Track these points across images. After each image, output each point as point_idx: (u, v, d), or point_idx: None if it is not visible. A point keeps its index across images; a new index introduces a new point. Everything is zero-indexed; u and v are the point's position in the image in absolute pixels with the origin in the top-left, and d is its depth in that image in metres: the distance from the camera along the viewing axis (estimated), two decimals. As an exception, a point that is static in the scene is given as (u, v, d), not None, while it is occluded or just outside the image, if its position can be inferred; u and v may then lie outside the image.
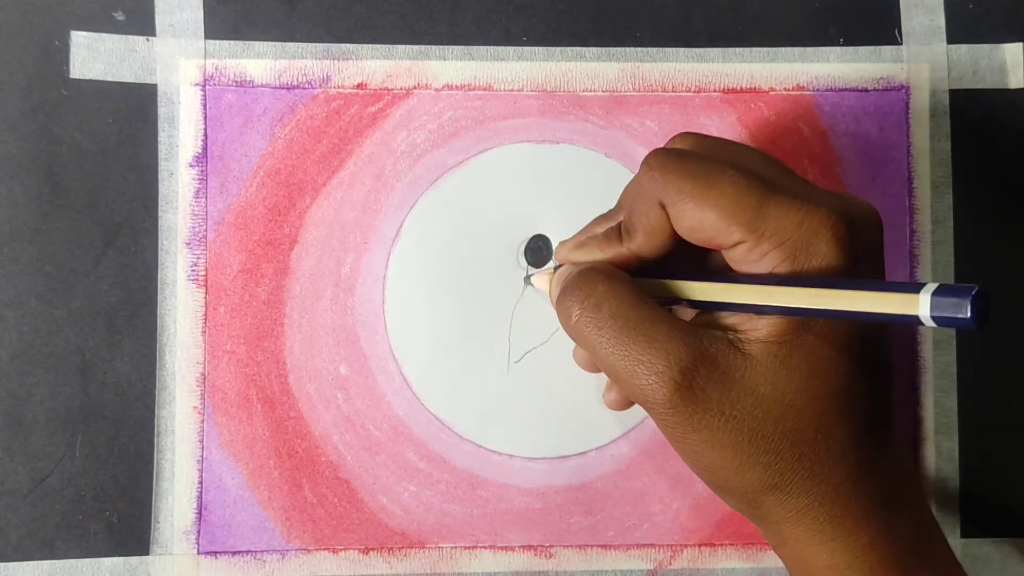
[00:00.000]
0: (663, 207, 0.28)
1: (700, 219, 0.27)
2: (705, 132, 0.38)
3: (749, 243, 0.27)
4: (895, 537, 0.28)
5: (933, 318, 0.23)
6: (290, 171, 0.37)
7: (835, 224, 0.26)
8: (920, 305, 0.23)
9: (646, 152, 0.38)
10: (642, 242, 0.29)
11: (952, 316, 0.22)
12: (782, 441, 0.27)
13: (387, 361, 0.37)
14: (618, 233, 0.30)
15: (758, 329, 0.27)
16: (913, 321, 0.23)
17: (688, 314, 0.30)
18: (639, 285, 0.29)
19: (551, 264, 0.37)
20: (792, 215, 0.26)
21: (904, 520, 0.28)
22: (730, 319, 0.28)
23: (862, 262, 0.27)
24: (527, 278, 0.37)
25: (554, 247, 0.38)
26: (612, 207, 0.33)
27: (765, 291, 0.26)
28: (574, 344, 0.32)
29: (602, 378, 0.37)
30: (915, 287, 0.23)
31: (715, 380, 0.27)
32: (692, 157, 0.28)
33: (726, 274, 0.28)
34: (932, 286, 0.23)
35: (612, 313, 0.28)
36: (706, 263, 0.31)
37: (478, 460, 0.37)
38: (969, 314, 0.22)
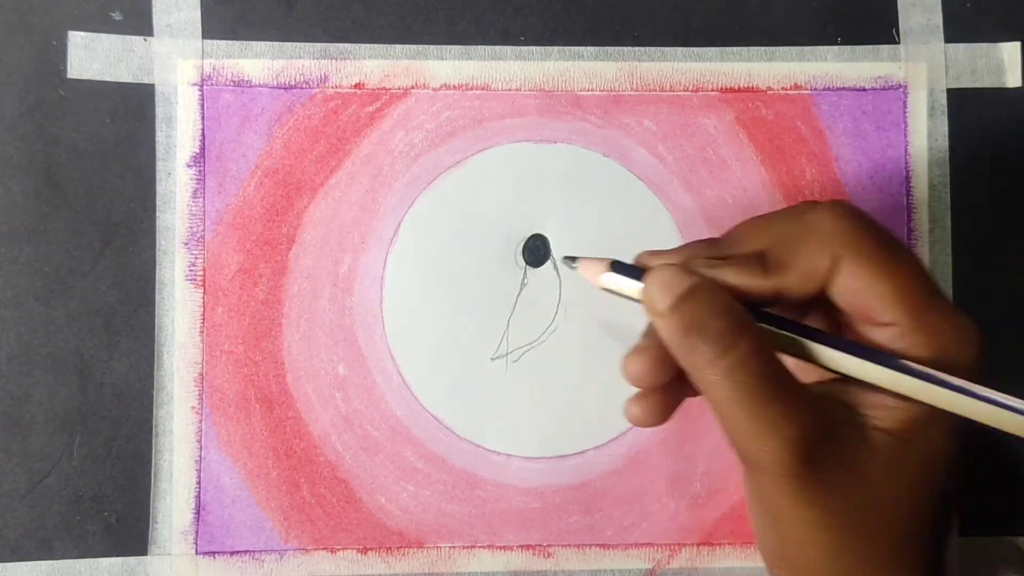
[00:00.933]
0: (835, 258, 0.27)
1: (872, 287, 0.26)
2: (703, 132, 0.38)
3: (903, 328, 0.26)
4: None
5: None
6: (288, 171, 0.37)
7: (983, 344, 0.27)
8: None
9: (644, 151, 0.38)
10: (793, 282, 0.27)
11: None
12: (884, 536, 0.26)
13: (385, 361, 0.37)
14: (760, 263, 0.27)
15: (884, 419, 0.26)
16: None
17: (807, 374, 0.29)
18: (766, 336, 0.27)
19: (601, 258, 0.31)
20: (954, 320, 0.26)
21: None
22: (854, 397, 0.27)
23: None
24: (567, 259, 0.32)
25: (552, 247, 0.38)
26: (715, 237, 0.30)
27: (918, 384, 0.26)
28: (632, 353, 0.29)
29: (602, 378, 0.37)
30: None
31: (838, 460, 0.26)
32: (878, 223, 0.27)
33: (877, 350, 0.27)
34: None
35: (753, 373, 0.26)
36: (820, 323, 0.30)
37: (476, 460, 0.37)
38: None
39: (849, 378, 0.27)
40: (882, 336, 0.27)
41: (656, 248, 0.30)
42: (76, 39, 0.37)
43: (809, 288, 0.27)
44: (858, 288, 0.26)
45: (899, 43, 0.39)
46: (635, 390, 0.29)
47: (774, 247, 0.28)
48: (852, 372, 0.27)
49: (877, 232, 0.27)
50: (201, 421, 0.37)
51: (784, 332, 0.27)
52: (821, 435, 0.26)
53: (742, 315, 0.27)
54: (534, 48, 0.38)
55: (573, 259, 0.31)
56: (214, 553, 0.37)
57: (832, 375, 0.27)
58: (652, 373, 0.28)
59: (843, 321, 0.28)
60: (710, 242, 0.29)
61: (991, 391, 0.26)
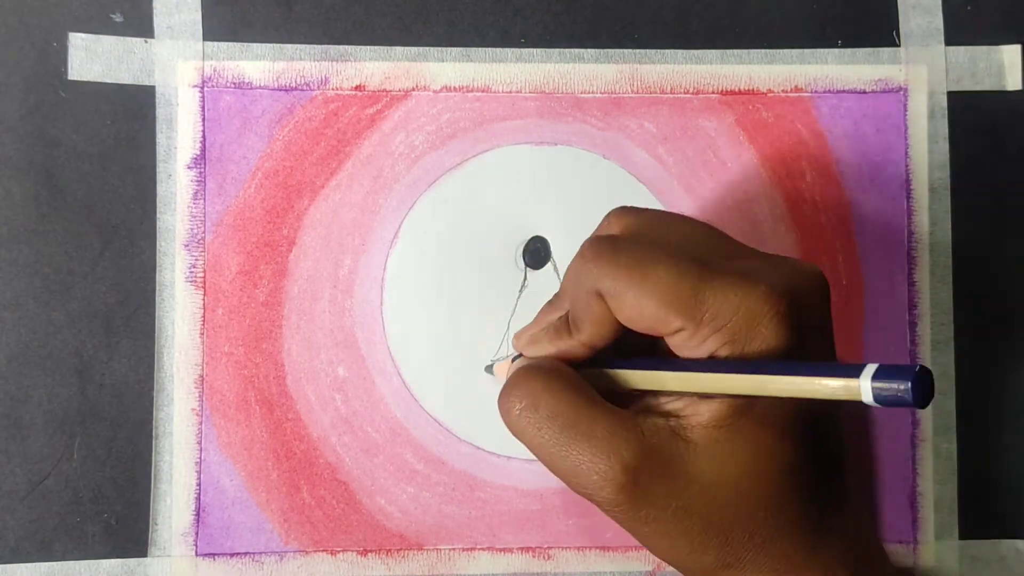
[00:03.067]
0: (602, 298, 0.28)
1: (638, 309, 0.27)
2: (703, 135, 0.38)
3: (688, 330, 0.26)
4: None
5: (876, 400, 0.23)
6: (288, 173, 0.37)
7: (775, 303, 0.26)
8: (861, 391, 0.23)
9: (644, 153, 0.38)
10: (591, 333, 0.29)
11: (894, 398, 0.22)
12: (731, 524, 0.27)
13: (385, 363, 0.37)
14: (567, 325, 0.30)
15: (700, 414, 0.27)
16: (856, 402, 0.23)
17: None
18: (584, 376, 0.29)
19: (510, 353, 0.36)
20: (730, 299, 0.26)
21: None
22: (671, 404, 0.28)
23: (809, 336, 0.27)
24: (488, 367, 0.37)
25: (552, 249, 0.38)
26: (557, 294, 0.32)
27: (704, 379, 0.26)
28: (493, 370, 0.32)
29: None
30: (855, 370, 0.23)
31: (659, 474, 0.26)
32: (626, 245, 0.28)
33: (669, 359, 0.28)
34: (871, 368, 0.23)
35: (550, 412, 0.27)
36: (657, 347, 0.30)
37: (476, 462, 0.37)
38: (911, 397, 0.22)
39: (665, 392, 0.28)
40: (679, 341, 0.27)
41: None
42: (76, 41, 0.37)
43: (607, 331, 0.28)
44: (632, 315, 0.27)
45: (899, 46, 0.39)
46: None
47: (572, 304, 0.29)
48: (639, 385, 0.28)
49: (625, 254, 0.27)
50: (201, 423, 0.37)
51: (591, 370, 0.29)
52: (638, 455, 0.26)
53: (542, 365, 0.29)
54: (534, 50, 0.38)
55: (490, 366, 0.37)
56: (214, 555, 0.37)
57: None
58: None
59: (670, 345, 0.28)
60: (551, 303, 0.32)
61: (765, 362, 0.26)
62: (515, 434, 0.29)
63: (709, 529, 0.27)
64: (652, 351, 0.30)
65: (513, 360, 0.33)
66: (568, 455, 0.27)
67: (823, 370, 0.24)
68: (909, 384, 0.22)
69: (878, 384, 0.23)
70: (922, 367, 0.22)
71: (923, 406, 0.22)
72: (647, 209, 0.31)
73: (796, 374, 0.24)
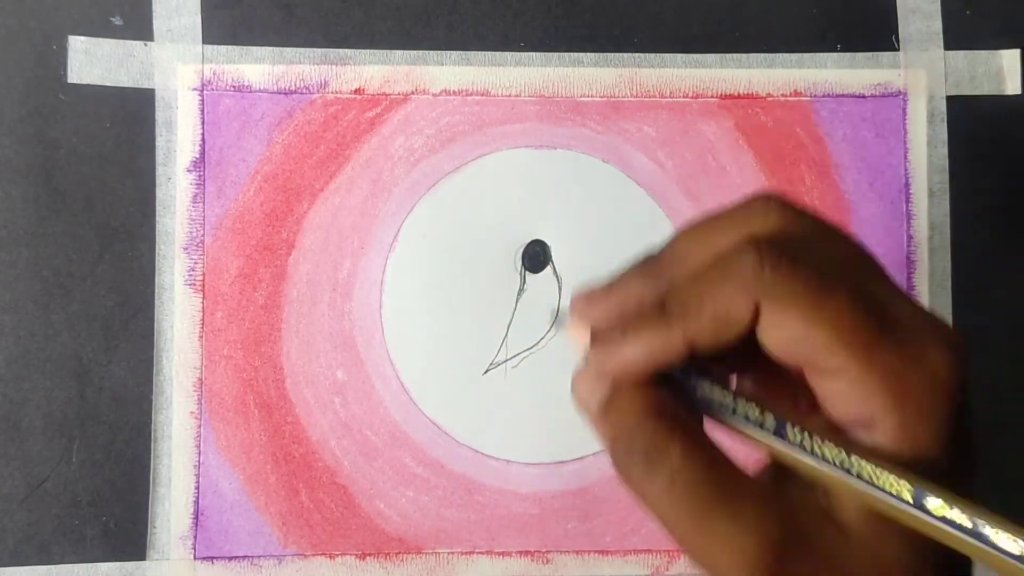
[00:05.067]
0: (756, 307, 0.23)
1: (806, 336, 0.22)
2: (702, 139, 0.38)
3: (853, 373, 0.22)
4: None
5: None
6: (288, 176, 0.37)
7: (947, 373, 0.22)
8: None
9: (643, 157, 0.38)
10: (705, 329, 0.23)
11: None
12: None
13: (384, 366, 0.37)
14: (659, 310, 0.24)
15: (854, 497, 0.23)
16: None
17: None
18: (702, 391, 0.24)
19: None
20: (908, 356, 0.22)
21: None
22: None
23: (962, 405, 0.23)
24: (557, 322, 0.34)
25: (551, 252, 0.38)
26: (652, 257, 0.25)
27: (901, 510, 0.22)
28: (576, 375, 0.26)
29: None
30: None
31: (808, 560, 0.23)
32: (806, 261, 0.23)
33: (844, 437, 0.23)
34: None
35: (688, 489, 0.23)
36: (765, 373, 0.26)
37: (475, 465, 0.37)
38: None
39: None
40: (831, 386, 0.23)
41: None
42: (76, 44, 0.37)
43: (725, 336, 0.23)
44: (791, 338, 0.23)
45: (899, 50, 0.39)
46: None
47: (690, 291, 0.24)
48: (812, 468, 0.23)
49: (805, 269, 0.23)
50: (200, 426, 0.37)
51: (717, 396, 0.24)
52: (784, 536, 0.23)
53: (665, 417, 0.23)
54: (534, 54, 0.38)
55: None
56: (212, 558, 0.37)
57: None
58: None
59: (815, 388, 0.24)
60: (649, 267, 0.25)
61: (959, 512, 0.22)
62: (634, 497, 0.24)
63: None
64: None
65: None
66: (709, 531, 0.23)
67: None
68: None
69: None
70: None
71: None
72: (807, 212, 0.25)
73: (980, 540, 0.21)
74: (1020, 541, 0.21)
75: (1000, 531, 0.22)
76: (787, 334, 0.23)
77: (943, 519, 0.22)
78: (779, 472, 0.24)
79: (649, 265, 0.25)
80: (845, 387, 0.23)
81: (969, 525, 0.22)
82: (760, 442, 0.24)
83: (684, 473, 0.23)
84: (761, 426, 0.24)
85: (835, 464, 0.23)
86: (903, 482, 0.22)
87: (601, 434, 0.25)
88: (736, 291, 0.23)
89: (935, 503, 0.22)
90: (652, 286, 0.25)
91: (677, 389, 0.24)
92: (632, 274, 0.25)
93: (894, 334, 0.22)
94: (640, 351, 0.24)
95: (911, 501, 0.22)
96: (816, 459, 0.23)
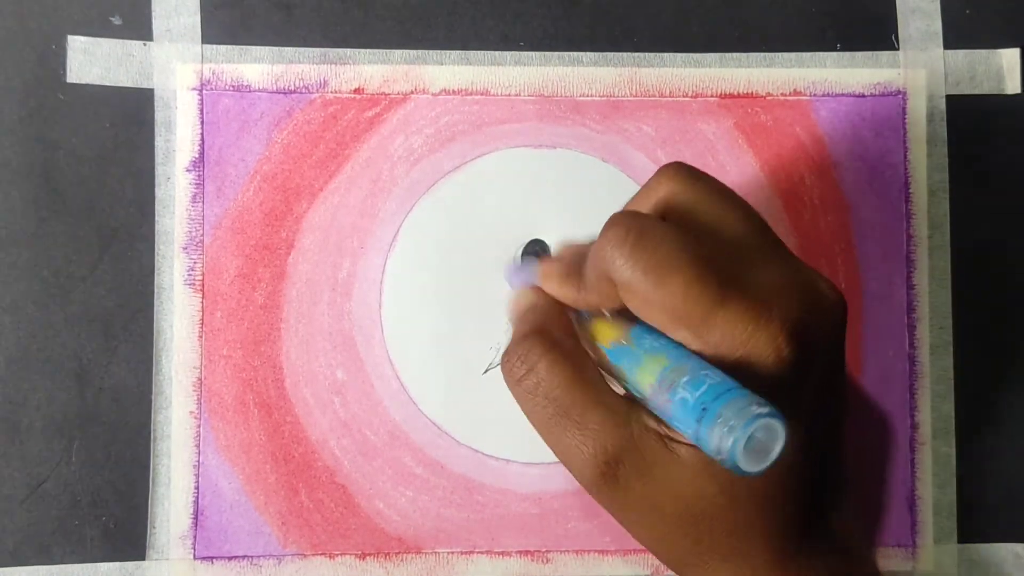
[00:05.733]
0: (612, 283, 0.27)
1: (646, 313, 0.26)
2: (702, 138, 0.38)
3: (693, 346, 0.26)
4: None
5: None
6: (287, 176, 0.37)
7: (782, 347, 0.25)
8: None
9: (643, 156, 0.38)
10: (594, 301, 0.28)
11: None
12: (700, 532, 0.27)
13: (384, 366, 0.37)
14: (578, 276, 0.29)
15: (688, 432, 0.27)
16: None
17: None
18: (584, 323, 0.29)
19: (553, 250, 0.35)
20: (739, 330, 0.25)
21: None
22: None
23: (811, 373, 0.26)
24: (521, 256, 0.36)
25: (552, 252, 0.38)
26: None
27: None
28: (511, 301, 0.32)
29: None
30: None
31: (638, 473, 0.27)
32: (650, 242, 0.26)
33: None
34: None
35: (547, 395, 0.28)
36: None
37: (475, 465, 0.37)
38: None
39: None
40: (677, 338, 0.26)
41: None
42: (76, 43, 0.37)
43: (612, 303, 0.28)
44: (636, 309, 0.27)
45: (898, 49, 0.39)
46: None
47: (588, 267, 0.28)
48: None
49: (643, 255, 0.26)
50: (199, 426, 0.37)
51: (601, 318, 0.29)
52: (621, 449, 0.27)
53: (543, 336, 0.29)
54: (533, 53, 0.38)
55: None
56: (212, 558, 0.37)
57: None
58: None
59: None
60: (581, 248, 0.30)
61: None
62: (514, 397, 0.29)
63: (678, 531, 0.27)
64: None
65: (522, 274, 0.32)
66: (560, 435, 0.28)
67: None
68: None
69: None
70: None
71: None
72: (702, 178, 0.29)
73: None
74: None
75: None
76: (633, 306, 0.27)
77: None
78: (631, 406, 0.28)
79: (587, 260, 0.30)
80: (687, 343, 0.26)
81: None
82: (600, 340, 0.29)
83: (546, 383, 0.28)
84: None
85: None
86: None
87: (503, 357, 0.29)
88: (602, 273, 0.27)
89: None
90: (563, 264, 0.30)
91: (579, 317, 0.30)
92: (576, 257, 0.30)
93: (729, 308, 0.25)
94: (557, 294, 0.30)
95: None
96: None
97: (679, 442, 0.26)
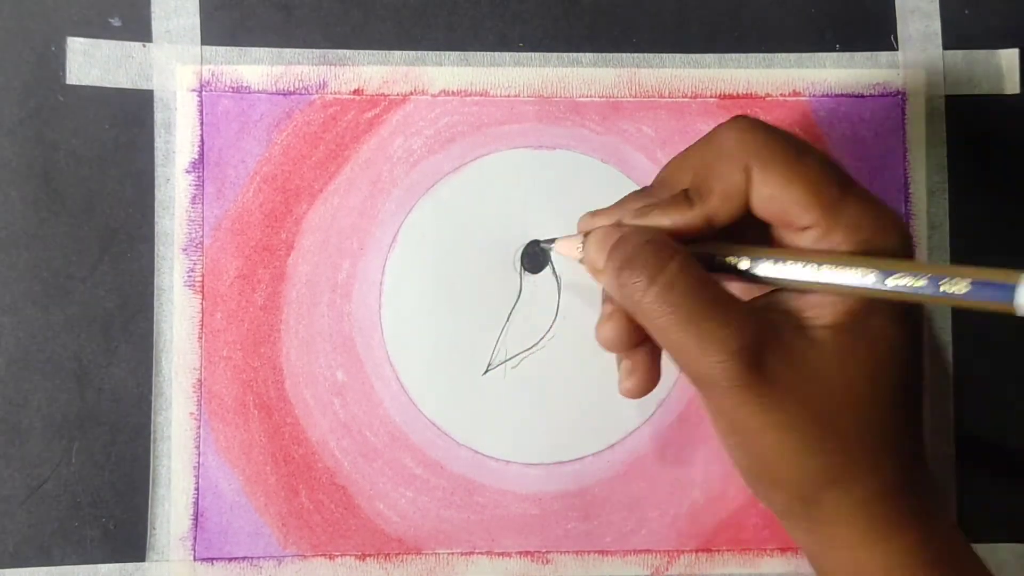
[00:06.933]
0: (747, 171, 0.27)
1: (784, 191, 0.27)
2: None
3: (822, 228, 0.27)
4: (941, 538, 0.28)
5: None
6: (287, 177, 0.37)
7: (904, 228, 0.27)
8: (1017, 295, 0.23)
9: (642, 157, 0.38)
10: (717, 205, 0.28)
11: None
12: (847, 429, 0.26)
13: (384, 367, 0.37)
14: (685, 199, 0.29)
15: (823, 316, 0.27)
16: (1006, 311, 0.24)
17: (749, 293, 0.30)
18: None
19: (574, 234, 0.34)
20: (869, 210, 0.27)
21: (944, 521, 0.28)
22: (792, 302, 0.28)
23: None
24: (547, 242, 0.36)
25: (551, 254, 0.38)
26: (648, 187, 0.31)
27: (842, 274, 0.26)
28: (600, 319, 0.30)
29: (602, 384, 0.37)
30: (1009, 277, 0.24)
31: (785, 362, 0.26)
32: (781, 130, 0.28)
33: (803, 250, 0.28)
34: None
35: (685, 292, 0.27)
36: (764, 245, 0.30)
37: (475, 466, 0.37)
38: None
39: (800, 285, 0.28)
40: (806, 240, 0.27)
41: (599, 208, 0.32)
42: (75, 45, 0.37)
43: (734, 207, 0.28)
44: (771, 195, 0.27)
45: (897, 50, 0.39)
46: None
47: (695, 178, 0.29)
48: (773, 279, 0.28)
49: (781, 138, 0.28)
50: (199, 427, 0.37)
51: (713, 253, 0.29)
52: (764, 340, 0.26)
53: (667, 242, 0.28)
54: (533, 54, 0.38)
55: (551, 240, 0.35)
56: (212, 559, 0.37)
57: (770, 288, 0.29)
58: (622, 335, 0.30)
59: (774, 235, 0.29)
60: (644, 191, 0.31)
61: (908, 264, 0.26)
62: (635, 310, 0.28)
63: (826, 427, 0.26)
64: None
65: (584, 237, 0.31)
66: (699, 331, 0.26)
67: (979, 273, 0.25)
68: None
69: None
70: None
71: None
72: (776, 131, 0.30)
73: (950, 273, 0.25)
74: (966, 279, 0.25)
75: (950, 278, 0.25)
76: (768, 191, 0.27)
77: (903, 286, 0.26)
78: (762, 303, 0.28)
79: (642, 191, 0.31)
80: (815, 240, 0.27)
81: (924, 283, 0.25)
82: (757, 277, 0.28)
83: (680, 279, 0.27)
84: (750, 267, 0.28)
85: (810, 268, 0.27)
86: (866, 264, 0.26)
87: (609, 270, 0.29)
88: (729, 164, 0.28)
89: (896, 277, 0.26)
90: (649, 201, 0.30)
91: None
92: (629, 197, 0.31)
93: (855, 194, 0.27)
94: (666, 221, 0.29)
95: (872, 281, 0.26)
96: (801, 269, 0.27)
97: (818, 327, 0.27)
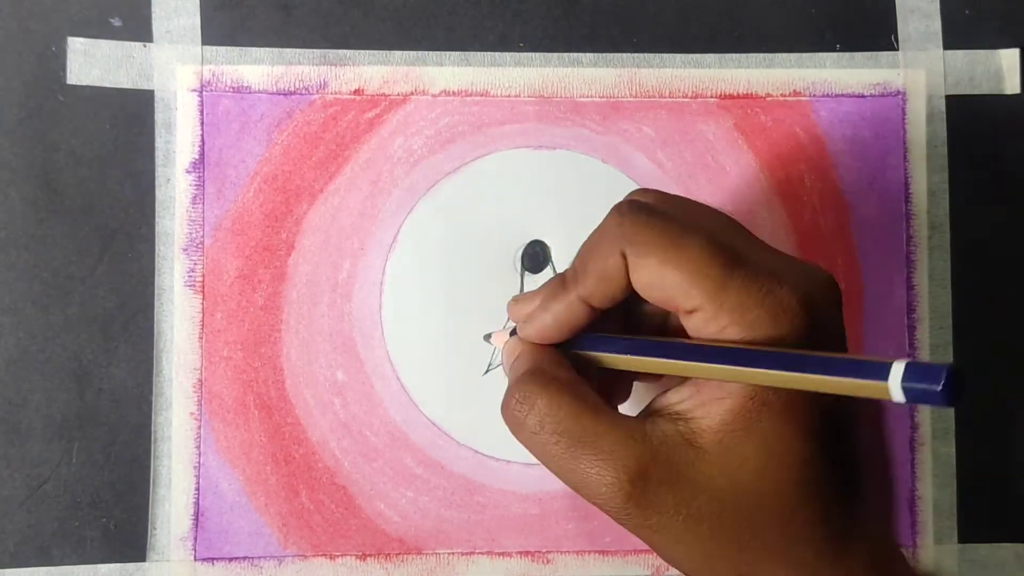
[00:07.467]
0: (624, 256, 0.27)
1: (661, 277, 0.26)
2: (702, 139, 0.38)
3: (707, 312, 0.26)
4: None
5: (907, 398, 0.22)
6: (287, 177, 0.37)
7: (796, 308, 0.26)
8: (891, 391, 0.22)
9: (643, 157, 0.38)
10: (591, 287, 0.28)
11: (923, 395, 0.22)
12: (743, 531, 0.26)
13: (384, 367, 0.37)
14: (561, 282, 0.29)
15: (710, 416, 0.26)
16: (883, 397, 0.22)
17: (648, 379, 0.31)
18: (583, 361, 0.29)
19: (510, 324, 0.34)
20: (754, 292, 0.26)
21: None
22: (680, 405, 0.27)
23: (823, 343, 0.26)
24: (486, 337, 0.36)
25: (551, 252, 0.38)
26: (562, 274, 0.31)
27: (726, 370, 0.25)
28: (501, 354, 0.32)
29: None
30: (883, 369, 0.22)
31: (668, 482, 0.26)
32: (662, 214, 0.27)
33: (686, 342, 0.27)
34: (900, 367, 0.22)
35: (554, 430, 0.27)
36: (662, 323, 0.30)
37: (475, 466, 0.37)
38: (942, 398, 0.21)
39: (670, 379, 0.28)
40: (695, 321, 0.26)
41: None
42: (75, 45, 0.37)
43: (611, 289, 0.28)
44: (651, 282, 0.27)
45: (898, 50, 0.39)
46: None
47: (579, 261, 0.29)
48: (652, 371, 0.27)
49: (660, 222, 0.27)
50: (200, 427, 0.37)
51: (594, 353, 0.29)
52: (645, 464, 0.26)
53: (541, 376, 0.28)
54: (533, 54, 0.38)
55: (489, 335, 0.35)
56: (212, 559, 0.37)
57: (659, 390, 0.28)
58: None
59: (670, 318, 0.29)
60: (558, 278, 0.30)
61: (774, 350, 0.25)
62: (522, 444, 0.28)
63: (721, 537, 0.26)
64: (646, 332, 0.30)
65: (511, 333, 0.32)
66: (576, 468, 0.27)
67: (850, 367, 0.23)
68: (939, 385, 0.21)
69: (909, 384, 0.22)
70: (951, 367, 0.21)
71: (954, 405, 0.22)
72: (673, 195, 0.30)
73: (822, 371, 0.23)
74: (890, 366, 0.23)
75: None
76: (648, 277, 0.27)
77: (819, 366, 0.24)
78: (645, 412, 0.28)
79: (560, 276, 0.30)
80: (703, 323, 0.26)
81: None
82: (639, 362, 0.28)
83: (551, 418, 0.27)
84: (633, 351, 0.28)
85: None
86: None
87: (502, 409, 0.29)
88: (607, 247, 0.27)
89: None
90: (562, 285, 0.29)
91: (576, 356, 0.29)
92: (548, 283, 0.30)
93: (742, 274, 0.26)
94: (549, 317, 0.29)
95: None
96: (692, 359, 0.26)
97: (704, 431, 0.26)
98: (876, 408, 0.38)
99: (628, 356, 0.28)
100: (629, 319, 0.30)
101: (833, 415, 0.27)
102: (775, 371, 0.24)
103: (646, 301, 0.28)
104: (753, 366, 0.25)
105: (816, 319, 0.26)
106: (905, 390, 0.22)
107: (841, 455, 0.27)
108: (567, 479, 0.27)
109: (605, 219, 0.28)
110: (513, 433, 0.28)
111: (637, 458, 0.26)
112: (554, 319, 0.29)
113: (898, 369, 0.22)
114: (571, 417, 0.27)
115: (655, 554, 0.37)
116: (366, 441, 0.37)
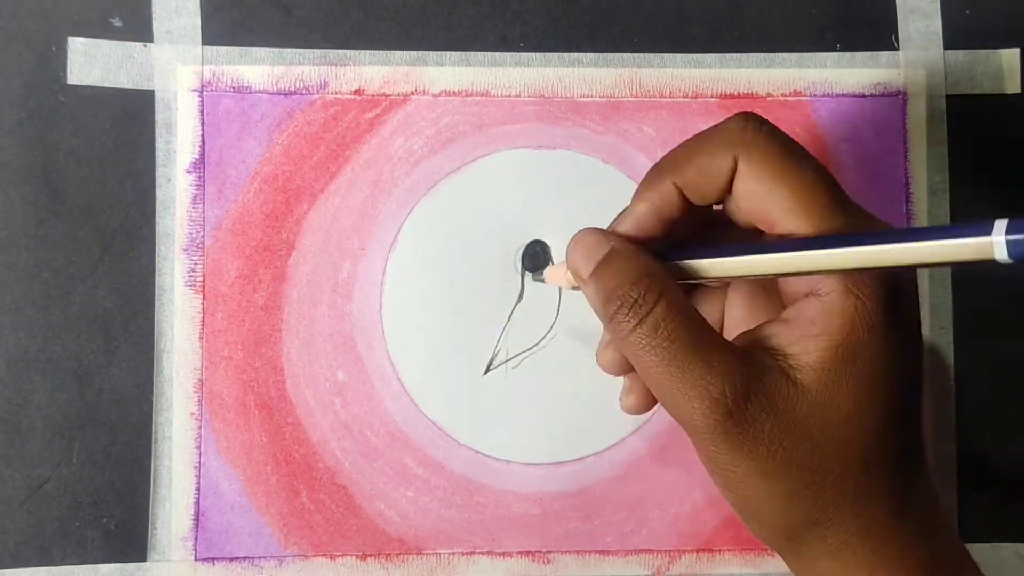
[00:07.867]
0: (735, 160, 0.27)
1: (770, 192, 0.26)
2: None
3: (810, 230, 0.26)
4: (933, 568, 0.27)
5: (1012, 255, 0.22)
6: (288, 177, 0.37)
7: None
8: (995, 248, 0.22)
9: (643, 157, 0.38)
10: (691, 177, 0.27)
11: None
12: (827, 476, 0.26)
13: (384, 367, 0.37)
14: (657, 170, 0.28)
15: (807, 353, 0.26)
16: (986, 257, 0.23)
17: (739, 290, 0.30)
18: (672, 270, 0.28)
19: (559, 263, 0.34)
20: (863, 216, 0.26)
21: (941, 551, 0.28)
22: (774, 341, 0.27)
23: (899, 308, 0.27)
24: (537, 276, 0.36)
25: (552, 253, 0.38)
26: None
27: (814, 256, 0.25)
28: (600, 345, 0.31)
29: (602, 384, 0.37)
30: (985, 226, 0.22)
31: (767, 411, 0.26)
32: (783, 133, 0.27)
33: (772, 242, 0.27)
34: (1002, 222, 0.22)
35: (670, 336, 0.26)
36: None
37: (476, 466, 0.37)
38: None
39: (770, 322, 0.27)
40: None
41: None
42: (76, 45, 0.37)
43: (710, 186, 0.27)
44: (754, 191, 0.26)
45: (898, 49, 0.39)
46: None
47: (679, 154, 0.28)
48: (760, 270, 0.27)
49: (781, 138, 0.27)
50: (200, 427, 0.37)
51: (698, 261, 0.28)
52: (747, 387, 0.26)
53: (655, 277, 0.27)
54: (533, 54, 0.38)
55: (541, 274, 0.35)
56: (213, 559, 0.37)
57: (759, 323, 0.28)
58: (621, 361, 0.30)
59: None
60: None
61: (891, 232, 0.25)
62: (622, 348, 0.28)
63: (805, 475, 0.26)
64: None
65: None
66: (681, 379, 0.26)
67: (951, 230, 0.23)
68: None
69: (1013, 237, 0.22)
70: None
71: None
72: (778, 135, 0.29)
73: (918, 239, 0.23)
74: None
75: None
76: (756, 187, 0.26)
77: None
78: (747, 340, 0.27)
79: (654, 166, 0.29)
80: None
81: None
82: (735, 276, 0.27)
83: (667, 323, 0.26)
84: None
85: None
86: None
87: (593, 293, 0.28)
88: (720, 146, 0.27)
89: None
90: (657, 172, 0.29)
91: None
92: (641, 182, 0.29)
93: (844, 212, 0.26)
94: (644, 206, 0.28)
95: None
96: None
97: (802, 367, 0.26)
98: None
99: (735, 258, 0.27)
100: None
101: (909, 374, 0.27)
102: (891, 245, 0.24)
103: (717, 227, 0.28)
104: (861, 245, 0.24)
105: (896, 275, 0.26)
106: (1009, 244, 0.22)
107: (914, 423, 0.28)
108: (666, 388, 0.26)
109: (724, 121, 0.28)
110: (618, 335, 0.27)
111: (745, 379, 0.26)
112: (649, 207, 0.28)
113: (1001, 224, 0.22)
114: (687, 326, 0.26)
115: (654, 553, 0.37)
116: (366, 441, 0.37)
